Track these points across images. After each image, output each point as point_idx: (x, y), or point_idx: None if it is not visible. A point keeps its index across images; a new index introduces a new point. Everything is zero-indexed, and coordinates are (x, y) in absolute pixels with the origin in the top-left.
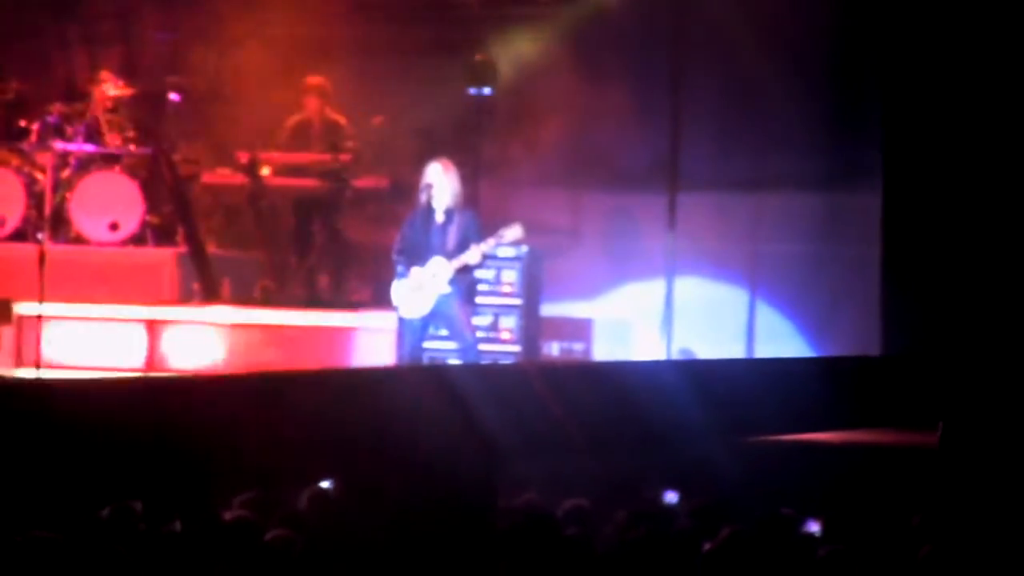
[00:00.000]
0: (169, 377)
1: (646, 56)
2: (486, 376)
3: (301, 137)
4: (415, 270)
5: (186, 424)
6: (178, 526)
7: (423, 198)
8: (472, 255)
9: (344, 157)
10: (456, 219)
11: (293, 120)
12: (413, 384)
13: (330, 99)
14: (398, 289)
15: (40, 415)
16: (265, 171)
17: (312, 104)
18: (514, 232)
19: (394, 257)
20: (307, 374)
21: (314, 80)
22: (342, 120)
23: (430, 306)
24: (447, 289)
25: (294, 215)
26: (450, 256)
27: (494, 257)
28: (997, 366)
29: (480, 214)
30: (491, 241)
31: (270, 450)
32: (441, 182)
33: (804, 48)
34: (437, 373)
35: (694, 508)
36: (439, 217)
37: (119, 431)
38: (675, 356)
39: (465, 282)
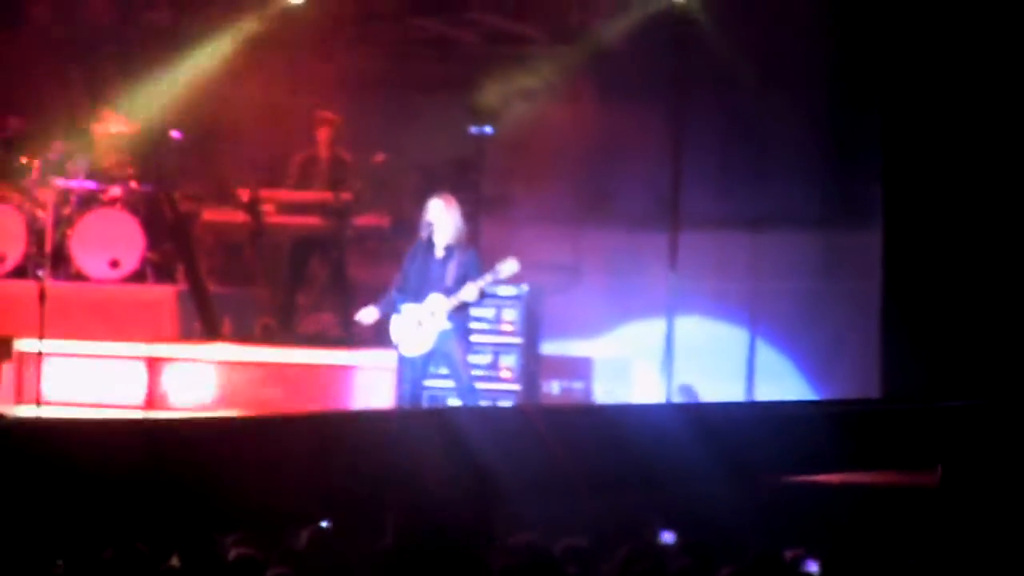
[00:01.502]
0: (169, 418)
1: (647, 94)
2: (486, 418)
3: (308, 173)
4: (411, 307)
5: (185, 464)
6: (177, 563)
7: (424, 234)
8: (469, 292)
9: (346, 195)
10: (456, 256)
11: (301, 156)
12: (414, 426)
13: (340, 134)
14: (397, 325)
15: (40, 454)
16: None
17: (323, 138)
18: (510, 267)
19: (393, 293)
20: (307, 416)
21: (325, 114)
22: (348, 157)
23: (431, 343)
24: (447, 325)
25: (295, 253)
26: (448, 293)
27: (495, 296)
28: (998, 406)
29: (481, 251)
30: (487, 277)
31: (270, 490)
32: (442, 218)
33: (804, 86)
34: (438, 416)
35: (692, 547)
36: (439, 253)
37: (120, 471)
38: (675, 393)
39: (463, 320)
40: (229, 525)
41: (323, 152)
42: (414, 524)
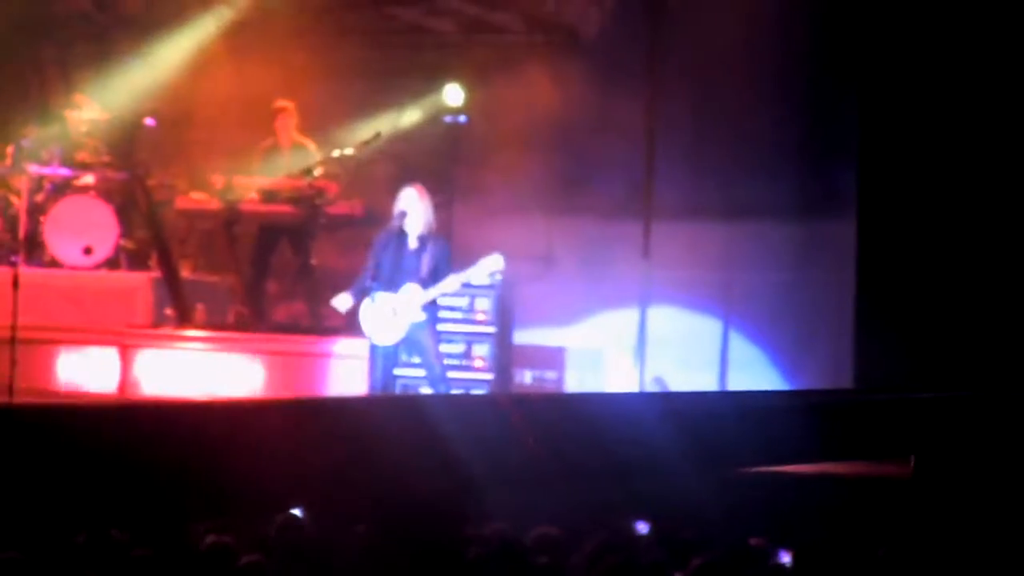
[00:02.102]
0: (141, 402)
1: (621, 84)
2: (458, 406)
3: (271, 161)
4: (385, 296)
5: (157, 450)
6: (150, 550)
7: (398, 223)
8: (450, 284)
9: (318, 183)
10: (429, 246)
11: (264, 145)
12: (385, 414)
13: (298, 124)
14: (368, 315)
15: (10, 439)
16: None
17: (279, 129)
18: (495, 262)
19: (365, 282)
20: (278, 402)
21: (283, 104)
22: (311, 144)
23: (403, 333)
24: (421, 316)
25: (262, 240)
26: (424, 283)
27: (467, 284)
28: (971, 398)
29: (454, 241)
30: (471, 271)
31: (240, 477)
32: (415, 207)
33: (779, 76)
34: (409, 403)
35: (665, 538)
36: (412, 243)
37: (91, 456)
38: (648, 383)
39: (434, 310)
40: (200, 512)
41: (284, 141)
42: (386, 512)
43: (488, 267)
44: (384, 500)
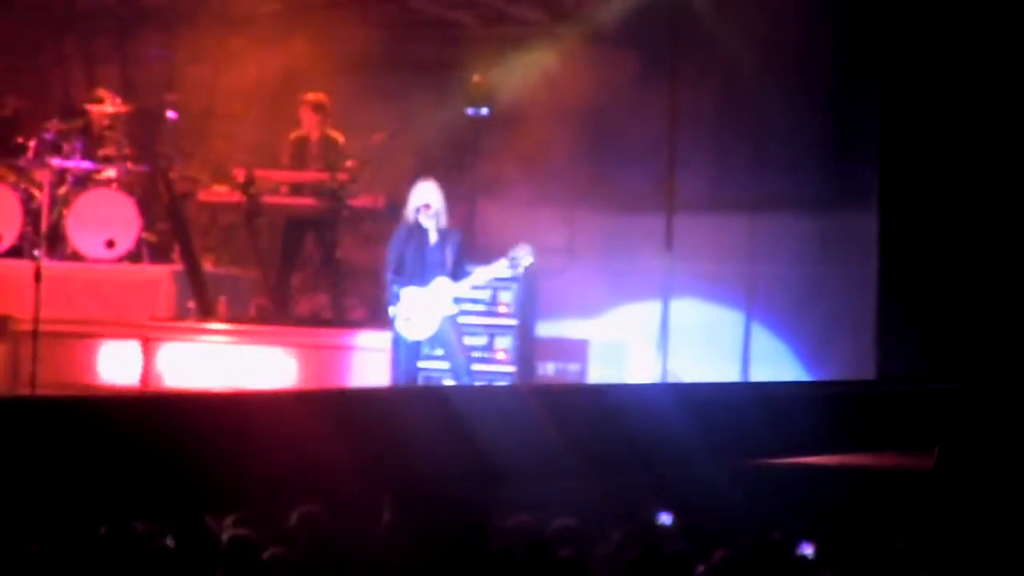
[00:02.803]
0: (163, 394)
1: (643, 76)
2: (481, 397)
3: (300, 154)
4: (414, 290)
5: (179, 442)
6: (172, 542)
7: (414, 217)
8: (480, 276)
9: (341, 176)
10: (449, 239)
11: (293, 137)
12: (407, 405)
13: (329, 116)
14: (400, 310)
15: (33, 432)
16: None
17: (310, 121)
18: (525, 257)
19: (388, 277)
20: (301, 393)
21: (312, 97)
22: (340, 138)
23: (436, 327)
24: (454, 309)
25: (289, 234)
26: (453, 277)
27: (496, 278)
28: (995, 389)
29: (476, 233)
30: (502, 262)
31: (261, 469)
32: (435, 201)
33: (801, 69)
34: (432, 394)
35: (688, 530)
36: (433, 237)
37: (113, 448)
38: (669, 378)
39: (458, 303)
40: (220, 504)
41: (313, 134)
42: (410, 504)
43: (522, 261)
44: (407, 492)
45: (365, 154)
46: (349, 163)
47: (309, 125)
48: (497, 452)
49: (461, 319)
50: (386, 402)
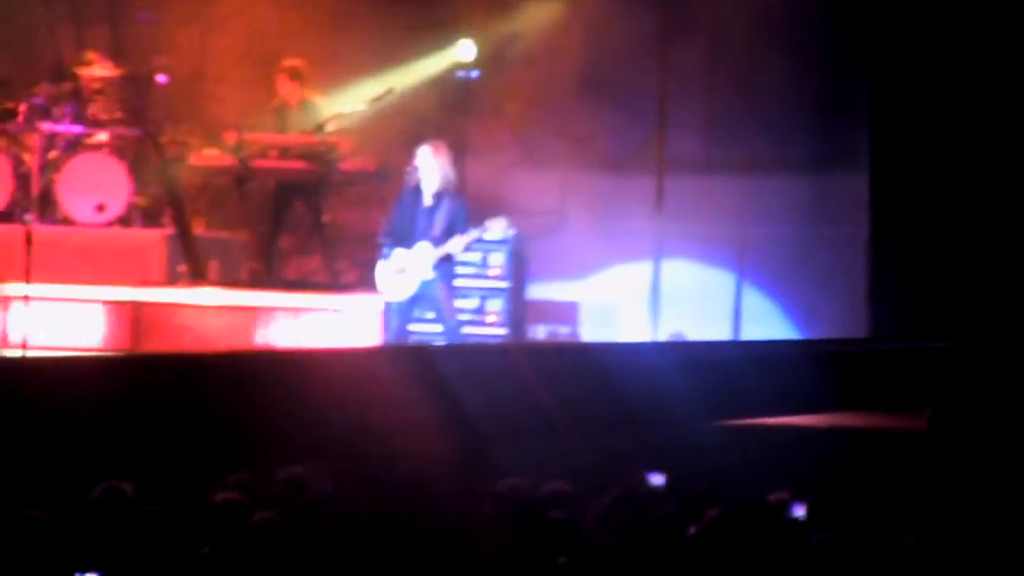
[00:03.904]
0: (153, 355)
1: (634, 38)
2: (469, 357)
3: (281, 121)
4: (399, 252)
5: (168, 402)
6: (163, 506)
7: (411, 180)
8: (454, 245)
9: (331, 139)
10: (445, 204)
11: (271, 104)
12: (395, 364)
13: (306, 81)
14: (382, 271)
15: (25, 394)
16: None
17: (287, 87)
18: (499, 226)
19: (380, 239)
20: (287, 353)
21: (288, 63)
22: (319, 100)
23: (413, 290)
24: (431, 274)
25: (279, 197)
26: (436, 242)
27: (480, 240)
28: (986, 349)
29: (467, 196)
30: (474, 233)
31: (252, 430)
32: (429, 165)
33: (792, 30)
34: (419, 353)
35: (679, 491)
36: (427, 200)
37: (103, 410)
38: (662, 339)
39: (449, 266)
40: (209, 465)
41: (292, 100)
42: (398, 466)
43: (493, 231)
44: (396, 452)
45: (354, 117)
46: (331, 126)
47: (287, 91)
48: (485, 412)
49: (455, 282)
50: (373, 361)
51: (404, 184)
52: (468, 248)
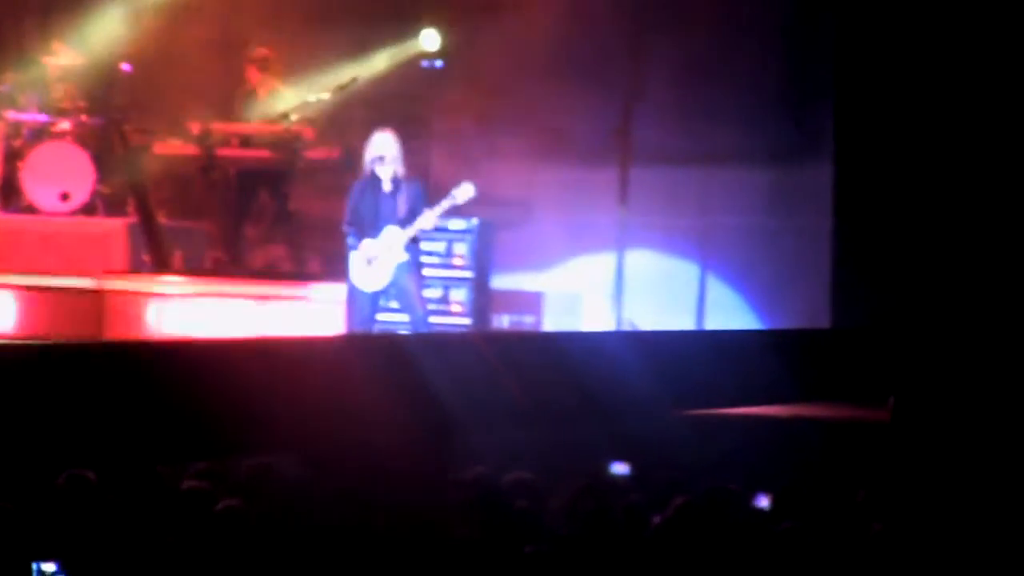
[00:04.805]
0: (118, 343)
1: (600, 30)
2: (435, 346)
3: (250, 109)
4: (368, 242)
5: (134, 391)
6: (129, 494)
7: (370, 168)
8: (426, 220)
9: (296, 128)
10: (404, 188)
11: (240, 92)
12: (361, 353)
13: (274, 70)
14: (354, 262)
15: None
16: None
17: (255, 77)
18: (465, 191)
19: (344, 229)
20: (255, 342)
21: (256, 53)
22: (286, 90)
23: (389, 277)
24: (404, 257)
25: (242, 185)
26: (403, 225)
27: (444, 230)
28: (948, 340)
29: (432, 187)
30: (444, 203)
31: (219, 419)
32: (390, 152)
33: (756, 21)
34: (384, 342)
35: (643, 480)
36: (387, 187)
37: (67, 397)
38: (625, 326)
39: (416, 253)
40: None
41: (260, 89)
42: (364, 454)
43: (460, 197)
44: (362, 441)
45: (319, 106)
46: (296, 115)
47: (254, 80)
48: (451, 400)
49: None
50: (340, 350)
51: (363, 174)
52: (441, 218)
